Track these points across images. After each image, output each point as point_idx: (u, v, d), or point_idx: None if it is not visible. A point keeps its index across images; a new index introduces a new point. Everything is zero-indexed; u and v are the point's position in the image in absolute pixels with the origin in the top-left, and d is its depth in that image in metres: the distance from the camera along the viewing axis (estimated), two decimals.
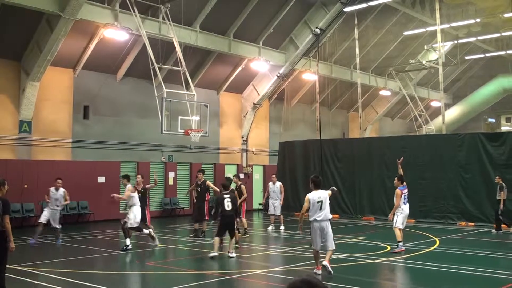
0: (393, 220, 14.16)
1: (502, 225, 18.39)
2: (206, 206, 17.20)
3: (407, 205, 14.33)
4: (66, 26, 19.05)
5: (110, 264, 12.98)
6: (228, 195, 13.41)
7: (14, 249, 8.41)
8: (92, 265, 12.66)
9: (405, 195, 14.24)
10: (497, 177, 18.83)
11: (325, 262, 10.76)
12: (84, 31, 21.12)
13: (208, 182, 17.37)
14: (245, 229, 17.36)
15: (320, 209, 10.70)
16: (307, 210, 10.76)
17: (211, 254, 12.88)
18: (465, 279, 11.01)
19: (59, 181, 16.34)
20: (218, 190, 15.65)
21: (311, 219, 10.75)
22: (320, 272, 10.68)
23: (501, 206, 18.00)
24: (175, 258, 14.22)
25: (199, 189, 17.23)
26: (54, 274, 11.12)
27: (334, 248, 10.95)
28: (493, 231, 18.37)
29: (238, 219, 14.90)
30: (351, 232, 18.60)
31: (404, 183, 14.44)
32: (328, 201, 10.89)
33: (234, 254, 13.04)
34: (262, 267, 12.26)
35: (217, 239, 13.26)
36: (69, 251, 14.55)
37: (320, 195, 10.79)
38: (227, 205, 13.20)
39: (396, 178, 14.60)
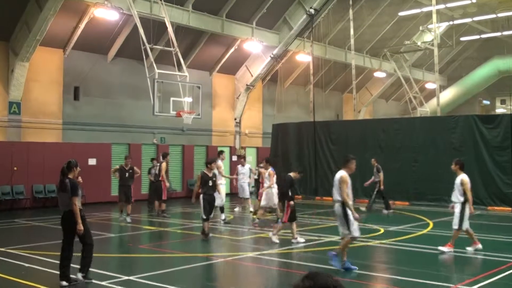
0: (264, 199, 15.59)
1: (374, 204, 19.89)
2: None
3: None
4: (55, 5, 18.81)
5: (102, 247, 12.97)
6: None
7: (81, 231, 8.81)
8: None
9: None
10: (373, 160, 19.95)
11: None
12: (74, 10, 20.87)
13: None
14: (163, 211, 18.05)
15: None
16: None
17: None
18: (459, 261, 11.10)
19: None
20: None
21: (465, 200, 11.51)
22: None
23: (382, 186, 19.29)
24: (168, 241, 14.26)
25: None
26: (45, 257, 11.11)
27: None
28: (385, 211, 19.37)
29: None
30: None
31: None
32: None
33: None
34: (254, 249, 12.29)
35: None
36: (60, 234, 14.51)
37: None
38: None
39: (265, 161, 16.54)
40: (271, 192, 15.37)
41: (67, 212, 8.89)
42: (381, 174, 19.41)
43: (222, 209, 16.38)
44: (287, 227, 13.03)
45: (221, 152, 18.18)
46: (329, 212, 19.31)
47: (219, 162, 16.81)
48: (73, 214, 8.73)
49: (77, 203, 8.77)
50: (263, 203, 15.76)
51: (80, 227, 8.75)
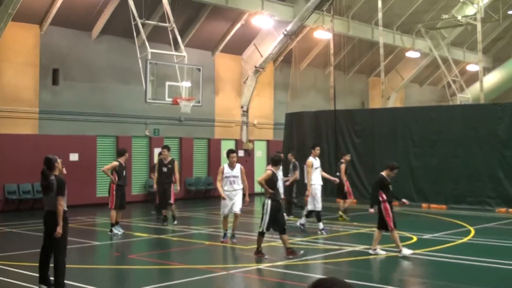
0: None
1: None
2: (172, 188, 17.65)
3: None
4: None
5: (86, 257, 13.02)
6: None
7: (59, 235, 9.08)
8: None
9: None
10: (290, 154, 19.98)
11: None
12: None
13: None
14: (164, 216, 17.64)
15: None
16: None
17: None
18: (506, 275, 11.02)
19: None
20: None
21: None
22: None
23: (287, 183, 18.94)
24: (163, 250, 14.27)
25: (165, 169, 17.56)
26: (19, 268, 11.16)
27: None
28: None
29: None
30: (371, 220, 18.54)
31: None
32: None
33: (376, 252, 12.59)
34: (265, 260, 12.25)
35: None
36: (35, 242, 14.56)
37: None
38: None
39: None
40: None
41: (49, 212, 9.18)
42: (297, 173, 19.21)
43: (318, 217, 15.85)
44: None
45: (316, 145, 17.63)
46: (353, 216, 19.32)
47: (311, 159, 16.68)
48: (57, 215, 9.03)
49: (63, 203, 9.13)
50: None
51: (60, 229, 9.02)
